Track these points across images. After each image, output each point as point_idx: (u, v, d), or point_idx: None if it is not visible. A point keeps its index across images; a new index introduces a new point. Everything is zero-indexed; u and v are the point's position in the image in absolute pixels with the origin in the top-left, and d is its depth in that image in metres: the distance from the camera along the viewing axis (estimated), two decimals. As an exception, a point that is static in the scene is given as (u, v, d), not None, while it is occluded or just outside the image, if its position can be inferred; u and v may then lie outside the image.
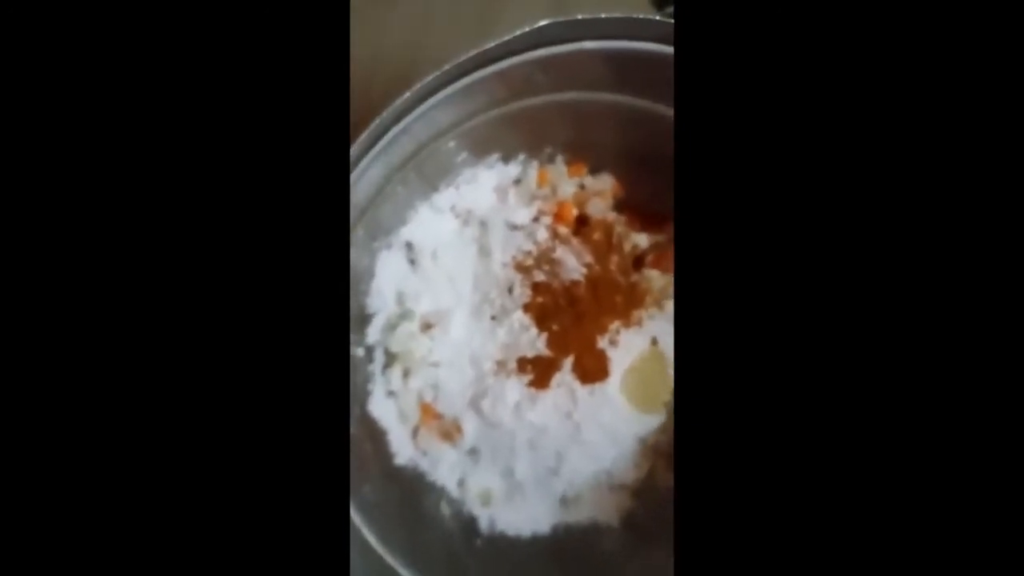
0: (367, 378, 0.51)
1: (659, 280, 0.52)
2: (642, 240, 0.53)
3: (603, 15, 0.41)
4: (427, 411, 0.51)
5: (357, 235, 0.47)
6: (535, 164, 0.53)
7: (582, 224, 0.53)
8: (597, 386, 0.50)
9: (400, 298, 0.52)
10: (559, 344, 0.49)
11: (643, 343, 0.51)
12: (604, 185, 0.53)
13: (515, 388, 0.50)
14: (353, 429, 0.49)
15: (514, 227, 0.52)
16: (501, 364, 0.50)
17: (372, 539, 0.46)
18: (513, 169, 0.53)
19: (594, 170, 0.54)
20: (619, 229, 0.53)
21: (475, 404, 0.50)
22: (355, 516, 0.46)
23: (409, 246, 0.52)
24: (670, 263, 0.52)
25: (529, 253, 0.52)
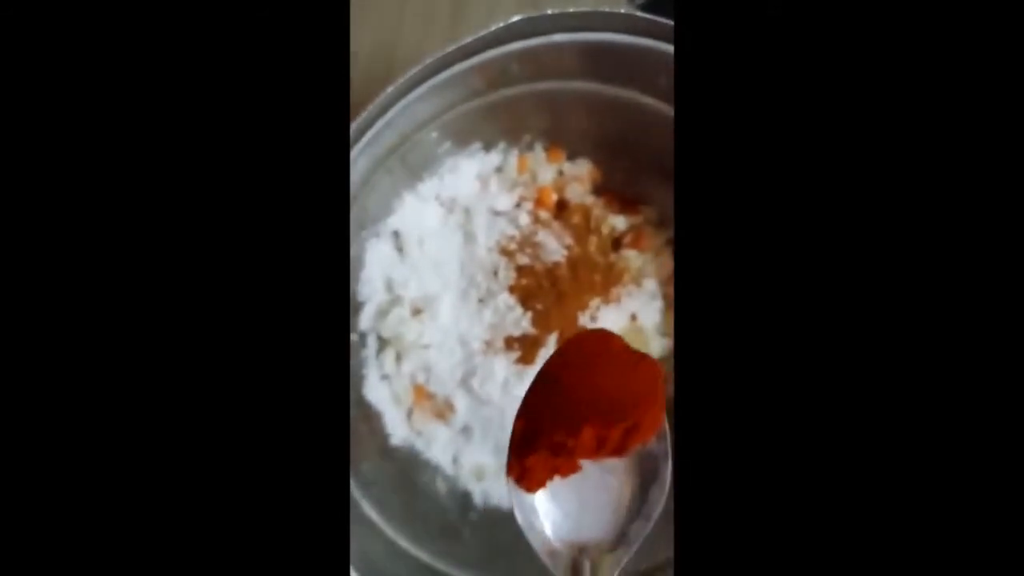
0: (361, 363, 0.53)
1: (636, 260, 0.54)
2: (620, 222, 0.55)
3: (571, 10, 0.43)
4: (420, 392, 0.53)
5: (347, 225, 0.49)
6: (515, 152, 0.55)
7: (562, 208, 0.55)
8: (581, 361, 0.52)
9: (389, 285, 0.54)
10: (543, 322, 0.52)
11: (623, 319, 0.53)
12: (582, 170, 0.55)
13: (503, 365, 0.52)
14: (350, 412, 0.51)
15: (497, 213, 0.54)
16: (489, 343, 0.52)
17: (372, 514, 0.48)
18: (494, 157, 0.55)
19: (572, 156, 0.56)
20: (597, 212, 0.55)
21: (466, 383, 0.52)
22: (355, 492, 0.48)
23: (396, 235, 0.54)
24: (647, 243, 0.55)
25: (512, 238, 0.54)
